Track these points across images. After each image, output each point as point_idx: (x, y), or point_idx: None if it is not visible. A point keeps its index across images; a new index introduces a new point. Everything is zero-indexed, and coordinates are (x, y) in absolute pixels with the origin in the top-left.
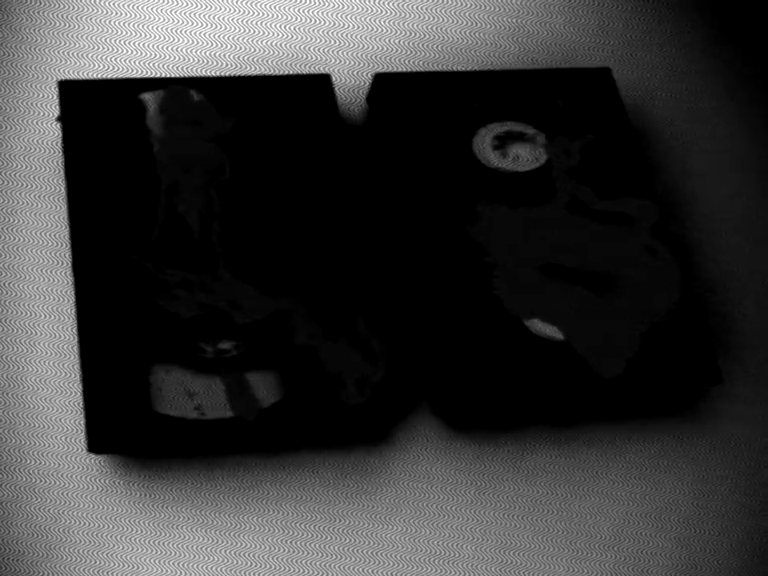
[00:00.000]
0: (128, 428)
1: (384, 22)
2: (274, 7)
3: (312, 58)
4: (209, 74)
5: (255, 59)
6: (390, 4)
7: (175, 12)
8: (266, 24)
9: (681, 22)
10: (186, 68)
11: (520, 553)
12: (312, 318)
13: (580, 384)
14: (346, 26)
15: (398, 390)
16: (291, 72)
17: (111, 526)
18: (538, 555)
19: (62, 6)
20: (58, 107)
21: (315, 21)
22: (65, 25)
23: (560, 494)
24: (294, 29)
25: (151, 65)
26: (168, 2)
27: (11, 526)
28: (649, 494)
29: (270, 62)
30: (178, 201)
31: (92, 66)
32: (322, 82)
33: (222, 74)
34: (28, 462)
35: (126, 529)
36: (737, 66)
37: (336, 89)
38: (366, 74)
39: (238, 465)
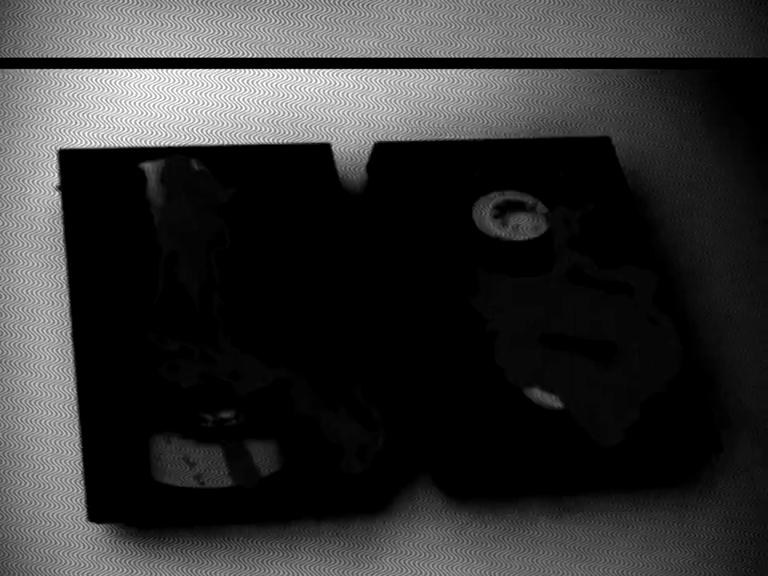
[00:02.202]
0: (128, 497)
1: (384, 91)
2: (275, 77)
3: (312, 128)
4: (209, 143)
5: (256, 128)
6: (390, 74)
7: (176, 82)
8: (266, 93)
9: (679, 91)
10: (187, 137)
11: None
12: (312, 387)
13: (580, 453)
14: (346, 96)
15: (398, 458)
16: (292, 141)
17: None
18: None
19: (62, 75)
20: (58, 176)
21: (316, 90)
22: (65, 94)
23: (560, 563)
24: (295, 98)
25: (152, 134)
26: (169, 72)
27: None
28: (649, 563)
29: (270, 132)
30: (178, 270)
31: (92, 135)
32: (323, 151)
33: (223, 143)
34: (28, 531)
35: None
36: (736, 134)
37: (336, 158)
38: (367, 143)
39: (238, 534)
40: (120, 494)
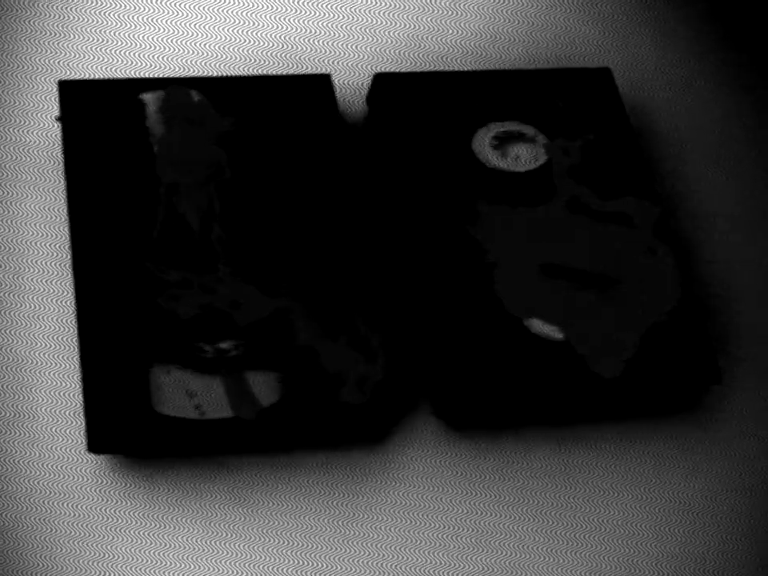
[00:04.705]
0: (128, 428)
1: (384, 21)
2: (275, 7)
3: (312, 58)
4: (209, 74)
5: (255, 59)
6: (390, 4)
7: (175, 12)
8: (266, 24)
9: (682, 22)
10: (186, 68)
11: (519, 550)
12: (312, 317)
13: (579, 384)
14: (346, 26)
15: (397, 389)
16: (291, 72)
17: (111, 525)
18: (537, 552)
19: (62, 6)
20: (57, 107)
21: (315, 21)
22: (64, 25)
23: (560, 494)
24: (295, 28)
25: (151, 65)
26: (168, 3)
27: (11, 527)
28: (649, 493)
29: (270, 62)
30: (178, 200)
31: (92, 66)
32: (322, 81)
33: (222, 74)
34: (28, 463)
35: (125, 527)
36: (738, 66)
37: (336, 89)
38: (367, 74)
39: (237, 464)
40: (120, 424)
